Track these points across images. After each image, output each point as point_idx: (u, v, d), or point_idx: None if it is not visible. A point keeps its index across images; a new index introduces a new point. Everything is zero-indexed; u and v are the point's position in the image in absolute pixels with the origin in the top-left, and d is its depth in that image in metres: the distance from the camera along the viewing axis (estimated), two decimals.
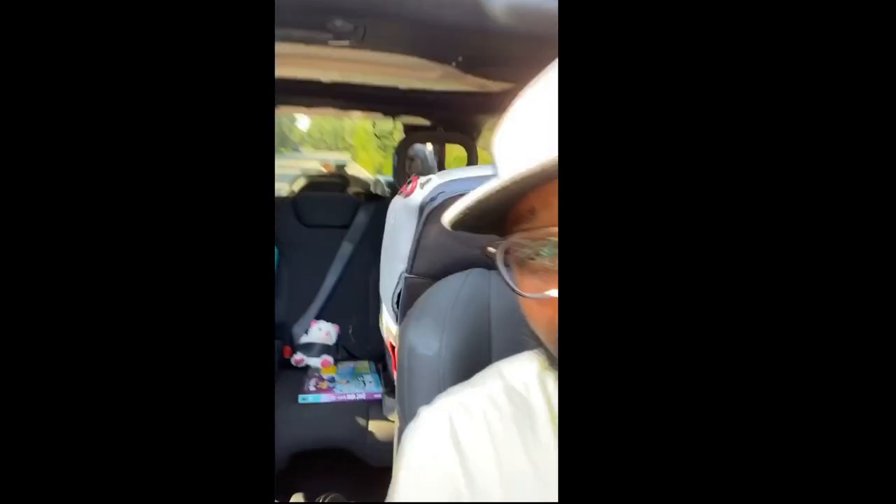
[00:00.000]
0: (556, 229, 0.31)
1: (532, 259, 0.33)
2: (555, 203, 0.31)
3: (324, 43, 0.81)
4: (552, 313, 0.32)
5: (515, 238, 0.33)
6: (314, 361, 1.59)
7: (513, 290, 0.34)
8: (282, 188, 2.45)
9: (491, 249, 0.35)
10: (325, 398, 1.41)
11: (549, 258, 0.32)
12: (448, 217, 0.33)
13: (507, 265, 0.34)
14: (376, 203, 1.76)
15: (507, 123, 0.35)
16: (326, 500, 1.38)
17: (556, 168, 0.28)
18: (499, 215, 0.34)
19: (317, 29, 0.76)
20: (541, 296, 0.32)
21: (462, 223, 0.33)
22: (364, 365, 1.61)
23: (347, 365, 1.61)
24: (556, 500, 0.30)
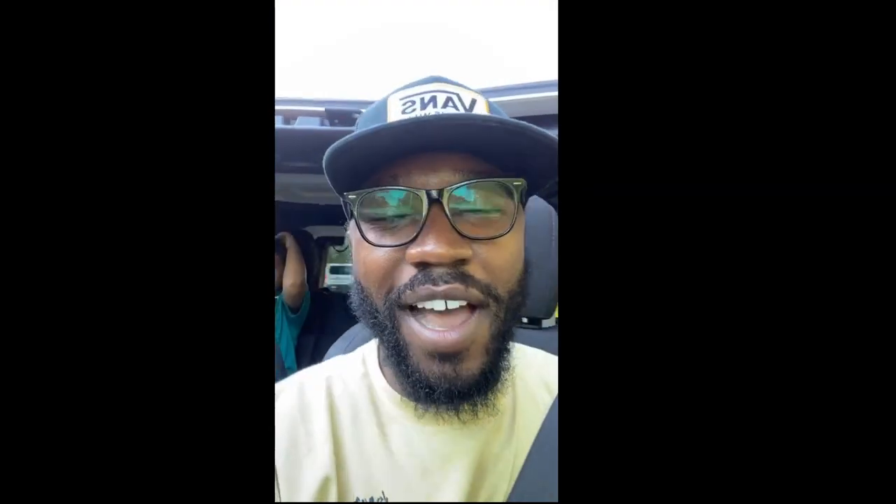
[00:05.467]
0: (413, 192, 0.37)
1: (385, 219, 0.38)
2: (414, 176, 0.37)
3: None
4: (383, 263, 0.38)
5: (377, 190, 0.38)
6: None
7: (362, 234, 0.39)
8: None
9: (352, 196, 0.39)
10: None
11: (399, 220, 0.38)
12: (330, 149, 0.37)
13: (359, 216, 0.39)
14: None
15: (367, 112, 0.43)
16: None
17: (393, 135, 0.34)
18: (367, 170, 0.39)
19: None
20: (390, 246, 0.38)
21: (334, 158, 0.38)
22: None
23: None
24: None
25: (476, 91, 0.42)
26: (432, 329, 0.37)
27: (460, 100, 0.40)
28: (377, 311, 0.40)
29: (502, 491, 0.41)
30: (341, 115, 0.99)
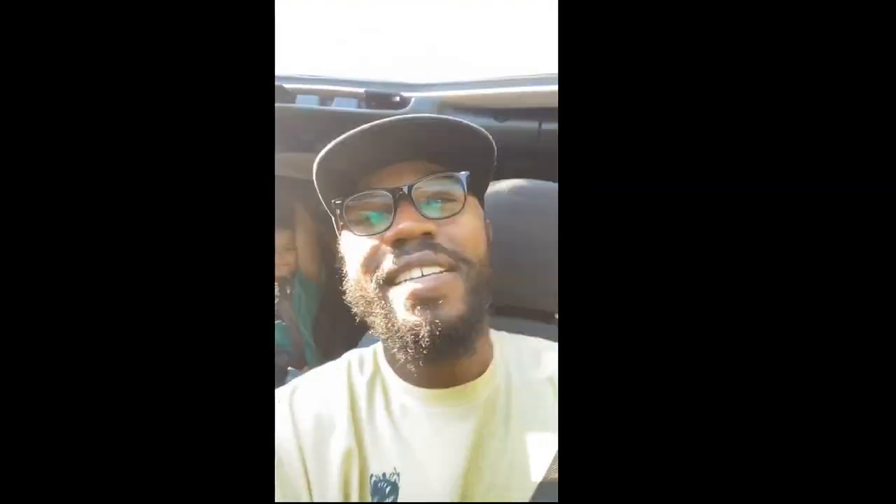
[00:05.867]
0: (382, 188, 0.47)
1: (366, 219, 0.48)
2: (385, 182, 0.47)
3: None
4: (368, 252, 0.47)
5: (357, 196, 0.48)
6: None
7: (352, 231, 0.48)
8: None
9: (338, 201, 0.49)
10: None
11: (376, 218, 0.48)
12: (316, 161, 0.48)
13: (346, 217, 0.49)
14: None
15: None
16: None
17: (361, 142, 0.45)
18: (350, 181, 0.49)
19: None
20: (372, 234, 0.47)
21: (325, 167, 0.48)
22: None
23: None
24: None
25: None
26: (409, 282, 0.45)
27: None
28: (367, 292, 0.47)
29: (500, 466, 0.47)
30: (380, 98, 0.93)
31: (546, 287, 0.67)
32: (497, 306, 0.73)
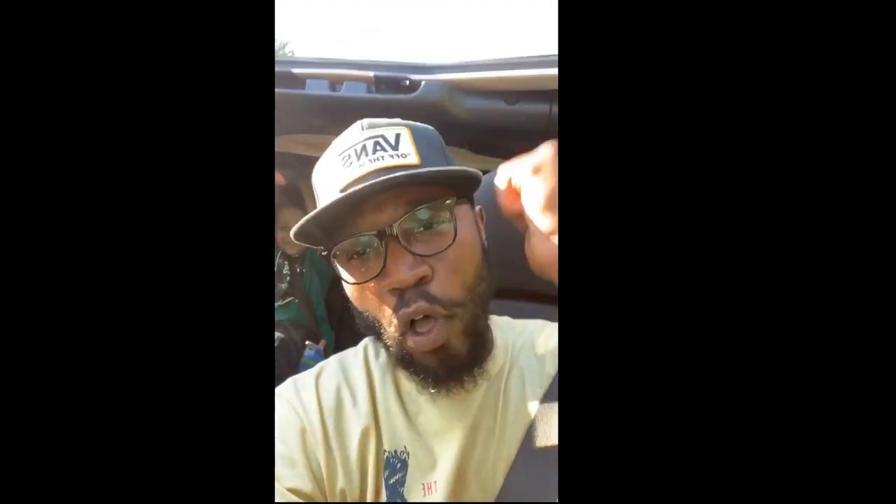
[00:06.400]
0: (368, 232, 0.46)
1: (355, 255, 0.48)
2: (368, 218, 0.46)
3: None
4: (373, 296, 0.48)
5: (344, 242, 0.47)
6: None
7: (345, 280, 0.49)
8: None
9: (324, 252, 0.50)
10: None
11: (367, 254, 0.48)
12: (293, 230, 0.47)
13: (337, 263, 0.49)
14: None
15: (318, 170, 0.53)
16: None
17: (354, 198, 0.44)
18: (326, 229, 0.49)
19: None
20: (366, 281, 0.47)
21: (303, 233, 0.47)
22: None
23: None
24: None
25: (397, 123, 0.51)
26: (416, 339, 0.47)
27: (386, 140, 0.49)
28: (383, 334, 0.50)
29: (490, 442, 0.51)
30: (390, 82, 0.93)
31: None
32: (500, 289, 0.76)
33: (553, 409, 0.51)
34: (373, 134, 0.49)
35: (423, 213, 0.47)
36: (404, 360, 0.49)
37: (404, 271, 0.45)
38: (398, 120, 0.52)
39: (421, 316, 0.46)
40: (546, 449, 0.49)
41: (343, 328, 1.71)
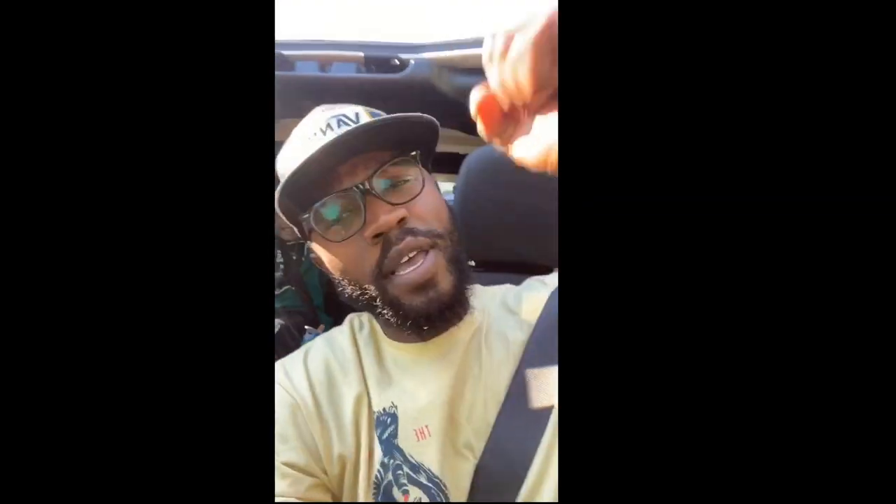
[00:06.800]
0: (349, 192, 0.51)
1: (333, 223, 0.52)
2: (344, 181, 0.51)
3: None
4: (353, 253, 0.52)
5: (325, 199, 0.51)
6: None
7: (326, 240, 0.53)
8: None
9: (305, 216, 0.53)
10: None
11: (345, 217, 0.52)
12: (277, 192, 0.50)
13: (317, 234, 0.53)
14: None
15: (283, 155, 0.57)
16: None
17: (337, 145, 0.48)
18: (302, 198, 0.52)
19: None
20: (351, 236, 0.51)
21: (284, 195, 0.51)
22: None
23: None
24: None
25: (353, 105, 0.56)
26: (406, 274, 0.50)
27: (346, 117, 0.54)
28: (367, 289, 0.53)
29: (477, 393, 0.54)
30: (380, 62, 0.93)
31: (536, 243, 0.75)
32: (495, 262, 0.78)
33: (545, 371, 0.52)
34: (334, 113, 0.54)
35: (394, 168, 0.52)
36: (393, 306, 0.52)
37: (384, 216, 0.49)
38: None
39: (411, 253, 0.50)
40: (543, 409, 0.51)
41: (341, 315, 1.71)
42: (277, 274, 1.68)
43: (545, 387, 0.52)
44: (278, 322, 1.59)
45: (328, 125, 0.53)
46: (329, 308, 1.75)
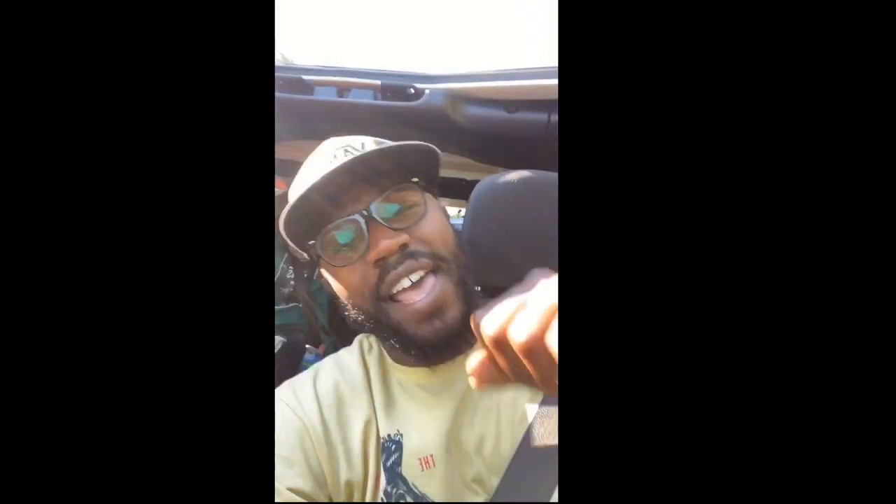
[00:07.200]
0: (352, 219, 0.51)
1: (341, 247, 0.52)
2: (348, 208, 0.52)
3: None
4: (355, 277, 0.52)
5: (330, 226, 0.52)
6: None
7: (331, 265, 0.54)
8: None
9: (312, 242, 0.54)
10: None
11: (351, 243, 0.52)
12: (280, 220, 0.51)
13: (324, 259, 0.54)
14: None
15: (294, 185, 0.57)
16: None
17: (320, 190, 0.49)
18: (307, 225, 0.53)
19: None
20: (347, 264, 0.52)
21: (291, 221, 0.52)
22: None
23: None
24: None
25: (365, 136, 0.58)
26: (411, 303, 0.50)
27: (353, 147, 0.55)
28: (368, 312, 0.53)
29: (489, 419, 0.53)
30: (396, 90, 0.97)
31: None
32: (502, 289, 0.78)
33: (553, 412, 0.51)
34: (342, 143, 0.56)
35: (396, 194, 0.53)
36: (398, 333, 0.52)
37: (385, 241, 0.50)
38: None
39: (416, 278, 0.50)
40: (546, 448, 0.50)
41: (342, 336, 1.72)
42: (287, 290, 1.70)
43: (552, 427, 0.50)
44: (279, 339, 1.59)
45: (335, 155, 0.54)
46: (332, 328, 1.76)
